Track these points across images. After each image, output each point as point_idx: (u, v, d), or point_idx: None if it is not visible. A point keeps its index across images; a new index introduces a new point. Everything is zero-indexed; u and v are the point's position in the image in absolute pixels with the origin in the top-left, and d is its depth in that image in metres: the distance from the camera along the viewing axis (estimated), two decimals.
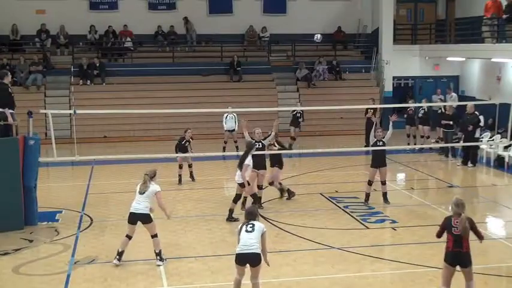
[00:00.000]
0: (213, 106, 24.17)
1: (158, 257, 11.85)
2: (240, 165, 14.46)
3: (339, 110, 24.55)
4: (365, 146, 22.36)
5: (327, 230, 14.08)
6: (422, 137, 24.78)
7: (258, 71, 30.72)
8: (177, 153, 18.48)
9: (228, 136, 23.60)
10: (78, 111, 16.80)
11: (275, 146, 16.69)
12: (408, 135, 25.16)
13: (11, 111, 14.44)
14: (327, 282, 11.05)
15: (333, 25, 32.60)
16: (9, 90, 14.75)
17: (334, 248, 12.78)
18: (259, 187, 15.97)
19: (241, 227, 9.85)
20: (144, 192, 11.70)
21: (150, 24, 31.36)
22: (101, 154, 20.21)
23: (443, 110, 23.60)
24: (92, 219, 15.03)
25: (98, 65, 29.35)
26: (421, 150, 24.04)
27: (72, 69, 28.64)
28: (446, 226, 9.58)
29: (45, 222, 14.63)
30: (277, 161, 16.61)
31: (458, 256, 9.38)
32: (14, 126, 14.48)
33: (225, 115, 23.59)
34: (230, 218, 14.71)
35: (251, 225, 9.76)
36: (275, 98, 29.49)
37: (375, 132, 16.42)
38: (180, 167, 18.79)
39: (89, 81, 28.99)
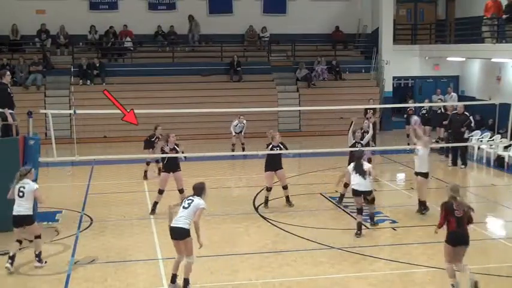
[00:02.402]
0: (213, 106, 24.15)
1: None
2: (362, 173, 13.76)
3: (338, 110, 24.47)
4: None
5: (327, 230, 14.08)
6: None
7: (258, 71, 30.72)
8: (145, 148, 18.95)
9: (236, 138, 23.69)
10: (78, 111, 16.79)
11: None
12: (408, 135, 25.11)
13: (10, 111, 14.43)
14: (328, 283, 11.05)
15: (332, 25, 32.62)
16: (9, 90, 14.74)
17: (334, 248, 12.78)
18: (285, 187, 16.09)
19: (182, 202, 10.57)
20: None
21: (150, 24, 31.35)
22: (101, 154, 20.23)
23: (443, 110, 23.58)
24: (91, 220, 15.04)
25: (97, 65, 29.35)
26: None
27: (72, 69, 28.63)
28: (448, 211, 10.19)
29: (45, 222, 14.60)
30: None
31: (461, 236, 10.13)
32: (13, 126, 14.48)
33: (235, 123, 23.67)
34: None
35: (189, 202, 10.41)
36: (275, 98, 29.48)
37: (354, 133, 16.32)
38: (148, 163, 19.41)
39: (88, 81, 28.99)
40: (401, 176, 20.62)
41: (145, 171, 19.53)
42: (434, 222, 14.24)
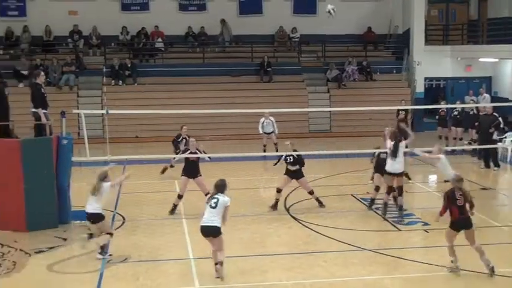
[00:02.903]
0: (244, 107, 24.14)
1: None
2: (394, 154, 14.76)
3: (369, 111, 24.36)
4: None
5: (358, 232, 14.02)
6: (454, 138, 24.53)
7: (289, 71, 30.68)
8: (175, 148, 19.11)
9: (267, 138, 23.41)
10: (110, 111, 16.94)
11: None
12: (440, 137, 24.93)
13: (44, 111, 14.61)
14: (359, 284, 11.00)
15: (363, 25, 32.49)
16: (43, 90, 14.92)
17: (365, 249, 12.70)
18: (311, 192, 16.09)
19: (207, 200, 11.05)
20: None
21: (180, 25, 31.52)
22: (132, 154, 20.36)
23: (475, 112, 23.34)
24: (124, 218, 15.14)
25: (129, 65, 29.58)
26: (453, 152, 23.75)
27: (104, 69, 28.90)
28: (451, 200, 11.10)
29: (79, 221, 14.66)
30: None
31: (464, 222, 11.08)
32: (47, 126, 14.66)
33: (262, 120, 23.33)
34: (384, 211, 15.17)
35: (215, 201, 10.82)
36: (305, 99, 29.42)
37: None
38: (172, 166, 19.64)
39: (120, 81, 29.23)
40: (433, 178, 20.41)
41: (165, 168, 19.83)
42: None
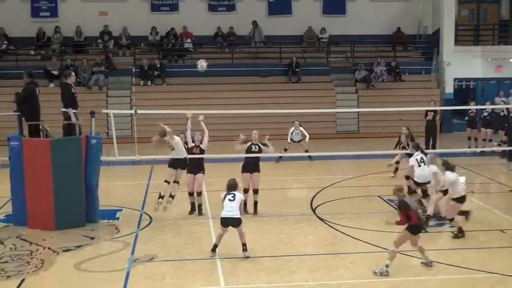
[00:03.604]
0: (272, 107, 24.19)
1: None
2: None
3: (397, 111, 24.19)
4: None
5: (384, 233, 13.88)
6: (484, 140, 24.27)
7: (317, 72, 30.63)
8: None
9: (292, 145, 22.58)
10: (138, 111, 16.97)
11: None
12: (469, 138, 24.69)
13: (74, 110, 14.76)
14: (385, 286, 10.93)
15: (392, 26, 32.29)
16: (73, 90, 15.06)
17: None
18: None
19: (224, 196, 12.21)
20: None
21: (209, 25, 31.63)
22: (160, 154, 20.44)
23: (505, 113, 23.07)
24: (151, 218, 15.19)
25: (158, 65, 29.76)
26: (482, 153, 23.54)
27: (133, 70, 29.14)
28: (407, 210, 11.47)
29: (106, 220, 14.88)
30: None
31: (421, 227, 11.96)
32: (77, 126, 14.79)
33: (291, 130, 22.64)
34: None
35: (232, 195, 12.18)
36: (334, 100, 29.35)
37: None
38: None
39: (149, 81, 29.42)
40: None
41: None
42: (494, 227, 14.09)
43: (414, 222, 11.57)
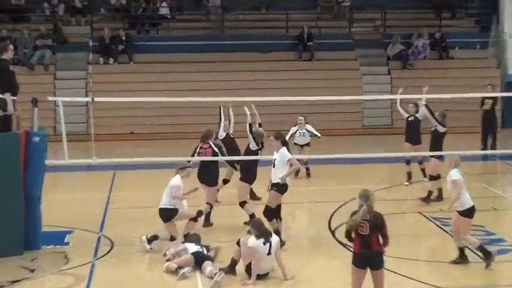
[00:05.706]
0: (275, 93, 24.06)
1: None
2: None
3: (444, 99, 24.05)
4: (482, 149, 21.94)
5: (430, 264, 13.76)
6: None
7: (336, 46, 30.66)
8: None
9: (300, 150, 21.18)
10: (97, 99, 16.80)
11: None
12: None
13: (13, 98, 14.45)
14: None
15: None
16: (11, 69, 14.81)
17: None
18: None
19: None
20: None
21: None
22: (126, 156, 20.30)
23: None
24: (112, 243, 15.07)
25: (124, 38, 29.67)
26: None
27: (90, 43, 28.88)
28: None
29: (51, 246, 14.76)
30: None
31: (368, 257, 10.50)
32: (14, 117, 14.55)
33: (294, 129, 21.35)
34: None
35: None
36: (359, 83, 29.36)
37: None
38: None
39: (112, 59, 29.35)
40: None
41: None
42: None
43: (355, 250, 10.57)
